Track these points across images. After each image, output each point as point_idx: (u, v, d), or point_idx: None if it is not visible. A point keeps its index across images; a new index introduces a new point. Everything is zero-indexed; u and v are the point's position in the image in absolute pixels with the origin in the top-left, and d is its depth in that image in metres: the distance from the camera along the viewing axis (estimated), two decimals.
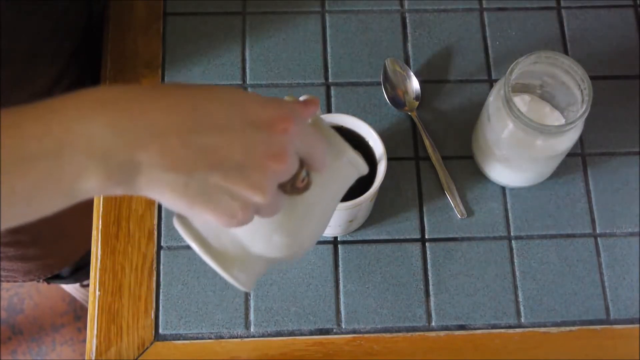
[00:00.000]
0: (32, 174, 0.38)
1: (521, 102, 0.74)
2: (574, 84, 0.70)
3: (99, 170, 0.39)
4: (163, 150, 0.40)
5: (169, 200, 0.42)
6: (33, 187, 0.38)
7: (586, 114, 0.68)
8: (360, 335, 0.73)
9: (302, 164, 0.47)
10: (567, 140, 0.70)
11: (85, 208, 0.96)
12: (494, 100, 0.71)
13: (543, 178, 0.78)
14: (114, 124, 0.39)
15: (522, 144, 0.70)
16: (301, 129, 0.44)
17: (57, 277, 1.37)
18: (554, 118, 0.74)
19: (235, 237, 0.51)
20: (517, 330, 0.74)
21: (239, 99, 0.43)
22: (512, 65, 0.68)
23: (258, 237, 0.51)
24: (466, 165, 0.79)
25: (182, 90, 0.42)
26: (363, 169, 0.54)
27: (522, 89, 0.74)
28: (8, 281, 1.04)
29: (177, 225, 0.50)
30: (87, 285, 1.46)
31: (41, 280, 1.35)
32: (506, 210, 0.78)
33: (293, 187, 0.48)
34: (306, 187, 0.49)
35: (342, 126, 0.69)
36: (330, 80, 0.83)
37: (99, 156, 0.39)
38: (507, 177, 0.77)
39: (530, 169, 0.75)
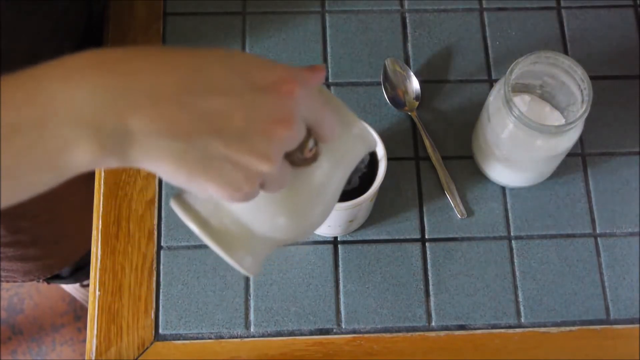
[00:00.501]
0: (14, 147, 0.34)
1: (521, 102, 0.74)
2: (574, 84, 0.70)
3: (88, 141, 0.35)
4: (159, 114, 0.36)
5: (167, 171, 0.37)
6: (16, 162, 0.35)
7: (586, 114, 0.68)
8: (360, 335, 0.73)
9: (310, 132, 0.44)
10: (567, 140, 0.70)
11: (85, 208, 0.96)
12: (494, 100, 0.71)
13: (543, 178, 0.78)
14: (102, 87, 0.35)
15: (522, 144, 0.70)
16: (308, 93, 0.41)
17: (57, 277, 1.37)
18: (554, 118, 0.74)
19: (238, 218, 0.47)
20: (517, 330, 0.74)
21: (242, 60, 0.39)
22: (512, 65, 0.68)
23: (263, 218, 0.47)
24: (466, 165, 0.79)
25: (179, 51, 0.38)
26: (372, 142, 0.50)
27: (522, 89, 0.74)
28: (8, 281, 1.04)
29: (174, 205, 0.46)
30: (87, 285, 1.46)
31: (41, 280, 1.35)
32: (506, 210, 0.78)
33: (300, 157, 0.45)
34: (314, 158, 0.46)
35: None
36: (330, 80, 0.83)
37: (86, 125, 0.35)
38: (507, 177, 0.77)
39: (530, 169, 0.75)
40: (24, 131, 0.34)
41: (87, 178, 0.94)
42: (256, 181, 0.40)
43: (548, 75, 0.71)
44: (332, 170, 0.49)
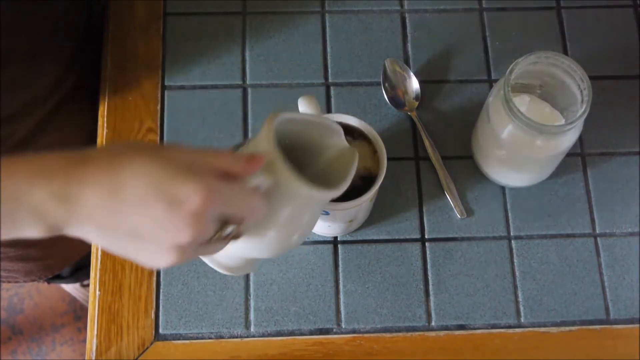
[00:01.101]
0: None
1: (521, 102, 0.74)
2: (573, 84, 0.70)
3: (38, 228, 0.47)
4: (94, 224, 0.47)
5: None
6: None
7: (586, 114, 0.68)
8: (360, 335, 0.73)
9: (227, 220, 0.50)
10: (567, 140, 0.70)
11: None
12: (493, 100, 0.71)
13: (543, 178, 0.78)
14: (54, 196, 0.46)
15: (522, 144, 0.70)
16: (221, 198, 0.47)
17: (57, 277, 1.37)
18: (554, 118, 0.74)
19: (233, 253, 0.55)
20: (517, 330, 0.74)
21: (156, 175, 0.46)
22: (511, 66, 0.68)
23: (238, 257, 0.57)
24: (466, 165, 0.79)
25: (109, 169, 0.46)
26: (328, 196, 0.54)
27: (522, 89, 0.74)
28: (9, 282, 1.04)
29: None
30: (87, 285, 1.46)
31: (42, 280, 1.35)
32: (506, 210, 0.78)
33: (219, 239, 0.50)
34: (237, 237, 0.51)
35: (341, 122, 0.69)
36: (330, 80, 0.83)
37: (39, 219, 0.46)
38: (507, 177, 0.77)
39: (530, 169, 0.75)
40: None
41: None
42: (171, 263, 0.49)
43: (548, 75, 0.71)
44: (298, 209, 0.54)
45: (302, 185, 0.51)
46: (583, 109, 0.67)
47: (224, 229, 0.50)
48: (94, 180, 0.46)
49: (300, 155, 0.59)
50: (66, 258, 1.07)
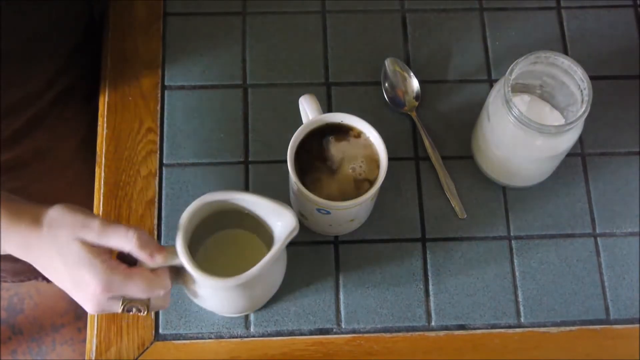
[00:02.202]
0: None
1: (521, 102, 0.74)
2: (573, 84, 0.70)
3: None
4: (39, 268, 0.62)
5: None
6: None
7: (586, 114, 0.68)
8: (360, 335, 0.73)
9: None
10: (567, 140, 0.70)
11: (75, 195, 0.96)
12: (493, 100, 0.71)
13: (543, 178, 0.78)
14: (19, 246, 0.61)
15: (522, 144, 0.70)
16: (115, 288, 0.58)
17: None
18: (554, 118, 0.74)
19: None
20: (517, 330, 0.74)
21: (71, 259, 0.58)
22: (512, 66, 0.68)
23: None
24: (466, 165, 0.79)
25: (49, 251, 0.59)
26: (229, 284, 0.61)
27: (522, 89, 0.74)
28: None
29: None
30: None
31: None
32: (506, 210, 0.78)
33: (129, 309, 0.61)
34: (145, 309, 0.61)
35: (342, 122, 0.70)
36: (330, 80, 0.83)
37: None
38: (507, 177, 0.77)
39: (530, 168, 0.75)
40: None
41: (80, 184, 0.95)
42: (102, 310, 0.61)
43: (548, 75, 0.72)
44: (211, 289, 0.65)
45: (205, 277, 0.60)
46: (583, 109, 0.67)
47: (130, 303, 0.60)
48: (40, 249, 0.59)
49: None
50: None
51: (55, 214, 0.59)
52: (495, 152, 0.74)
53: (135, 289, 0.59)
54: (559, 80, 0.71)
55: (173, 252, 0.61)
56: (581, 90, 0.69)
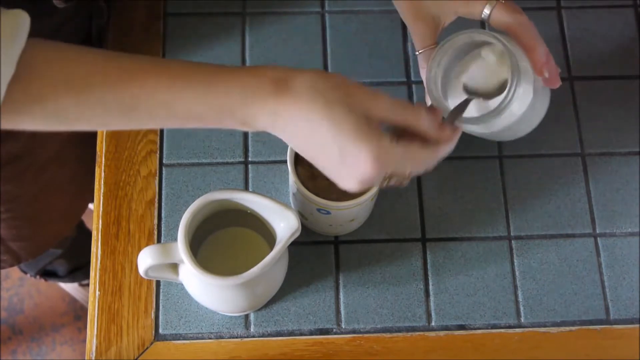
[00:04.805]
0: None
1: (487, 60, 0.68)
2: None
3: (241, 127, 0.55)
4: (287, 140, 0.56)
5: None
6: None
7: (512, 100, 0.63)
8: (360, 335, 0.73)
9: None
10: (511, 114, 0.66)
11: (71, 187, 0.95)
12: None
13: (533, 127, 0.72)
14: (266, 113, 0.54)
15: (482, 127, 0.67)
16: (389, 166, 0.55)
17: (54, 276, 1.37)
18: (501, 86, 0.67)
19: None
20: (517, 330, 0.74)
21: (338, 129, 0.53)
22: (433, 58, 0.65)
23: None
24: (466, 165, 0.79)
25: (304, 110, 0.54)
26: (228, 282, 0.62)
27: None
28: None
29: None
30: (87, 285, 1.46)
31: (38, 277, 1.34)
32: (506, 210, 0.78)
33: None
34: (407, 181, 0.58)
35: None
36: None
37: (245, 127, 0.55)
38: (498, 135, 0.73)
39: (505, 130, 0.69)
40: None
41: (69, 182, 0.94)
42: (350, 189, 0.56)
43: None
44: (212, 287, 0.65)
45: (206, 276, 0.61)
46: (509, 92, 0.63)
47: (392, 178, 0.57)
48: (292, 115, 0.53)
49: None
50: (54, 235, 1.05)
51: (323, 79, 0.54)
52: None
53: (410, 167, 0.56)
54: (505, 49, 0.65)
55: (459, 116, 0.59)
56: (512, 71, 0.63)
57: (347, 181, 0.55)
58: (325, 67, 0.83)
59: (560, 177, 0.79)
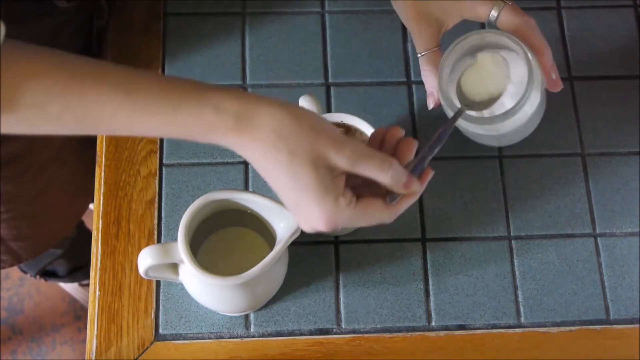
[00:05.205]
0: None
1: (482, 62, 0.68)
2: (522, 57, 0.65)
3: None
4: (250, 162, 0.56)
5: None
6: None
7: (526, 102, 0.63)
8: (360, 335, 0.73)
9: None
10: (519, 119, 0.66)
11: (71, 187, 0.95)
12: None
13: (528, 133, 0.73)
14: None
15: (478, 126, 0.67)
16: (341, 224, 0.56)
17: (54, 276, 1.37)
18: (512, 85, 0.68)
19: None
20: (517, 330, 0.74)
21: (298, 185, 0.53)
22: (444, 54, 0.66)
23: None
24: (466, 165, 0.79)
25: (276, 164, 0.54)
26: (226, 283, 0.63)
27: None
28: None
29: None
30: (87, 285, 1.46)
31: (38, 277, 1.34)
32: (506, 210, 0.78)
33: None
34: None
35: (343, 122, 0.70)
36: (330, 80, 0.83)
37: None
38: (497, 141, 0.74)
39: (511, 133, 0.70)
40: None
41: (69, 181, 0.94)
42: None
43: (498, 44, 0.67)
44: (212, 286, 0.66)
45: (206, 276, 0.62)
46: (523, 92, 0.63)
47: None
48: (252, 154, 0.53)
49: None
50: (54, 235, 1.05)
51: (290, 121, 0.52)
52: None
53: (365, 224, 0.57)
54: (512, 50, 0.66)
55: (427, 174, 0.58)
56: (530, 71, 0.63)
57: (300, 223, 0.56)
58: (325, 67, 0.83)
59: (560, 177, 0.79)
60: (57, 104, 0.51)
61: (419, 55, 0.69)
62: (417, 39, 0.68)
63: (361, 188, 0.56)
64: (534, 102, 0.65)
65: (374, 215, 0.56)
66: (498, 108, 0.66)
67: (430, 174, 0.58)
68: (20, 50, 0.51)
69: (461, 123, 0.66)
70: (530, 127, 0.70)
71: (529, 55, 0.64)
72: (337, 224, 0.54)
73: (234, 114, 0.52)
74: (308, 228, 0.56)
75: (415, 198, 0.58)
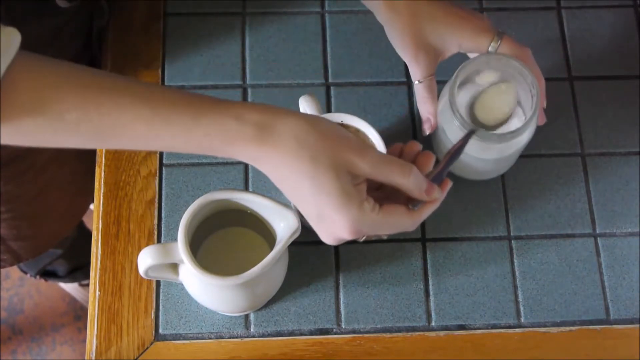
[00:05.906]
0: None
1: (494, 90, 0.71)
2: (526, 86, 0.68)
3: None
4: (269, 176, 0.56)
5: None
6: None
7: (533, 122, 0.67)
8: (360, 335, 0.74)
9: None
10: (517, 143, 0.69)
11: (71, 187, 0.95)
12: (443, 107, 0.70)
13: (500, 173, 0.78)
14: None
15: (470, 147, 0.67)
16: (366, 231, 0.56)
17: (54, 276, 1.37)
18: (517, 115, 0.71)
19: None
20: (517, 330, 0.74)
21: (319, 197, 0.53)
22: (458, 69, 0.67)
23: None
24: None
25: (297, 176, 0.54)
26: (227, 283, 0.62)
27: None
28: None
29: None
30: (87, 285, 1.46)
31: (38, 277, 1.34)
32: (506, 210, 0.78)
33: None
34: (386, 236, 0.61)
35: (343, 122, 0.70)
36: (330, 80, 0.83)
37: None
38: (464, 171, 0.76)
39: (484, 167, 0.74)
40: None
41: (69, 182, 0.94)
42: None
43: (506, 69, 0.69)
44: (212, 287, 0.65)
45: (206, 276, 0.61)
46: (530, 115, 0.66)
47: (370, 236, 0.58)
48: (274, 164, 0.53)
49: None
50: (54, 235, 1.05)
51: (311, 129, 0.52)
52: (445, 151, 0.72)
53: (388, 232, 0.56)
54: (516, 76, 0.69)
55: (447, 183, 0.59)
56: (532, 96, 0.67)
57: (322, 236, 0.56)
58: (325, 67, 0.83)
59: (560, 177, 0.79)
60: (75, 113, 0.50)
61: (416, 82, 0.69)
62: (415, 67, 0.69)
63: (381, 200, 0.56)
64: (532, 128, 0.69)
65: (397, 221, 0.56)
66: (505, 130, 0.69)
67: (449, 184, 0.59)
68: (37, 61, 0.51)
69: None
70: (518, 153, 0.73)
71: (534, 80, 0.67)
72: (362, 231, 0.54)
73: (255, 123, 0.52)
74: (332, 240, 0.55)
75: (436, 205, 0.58)
